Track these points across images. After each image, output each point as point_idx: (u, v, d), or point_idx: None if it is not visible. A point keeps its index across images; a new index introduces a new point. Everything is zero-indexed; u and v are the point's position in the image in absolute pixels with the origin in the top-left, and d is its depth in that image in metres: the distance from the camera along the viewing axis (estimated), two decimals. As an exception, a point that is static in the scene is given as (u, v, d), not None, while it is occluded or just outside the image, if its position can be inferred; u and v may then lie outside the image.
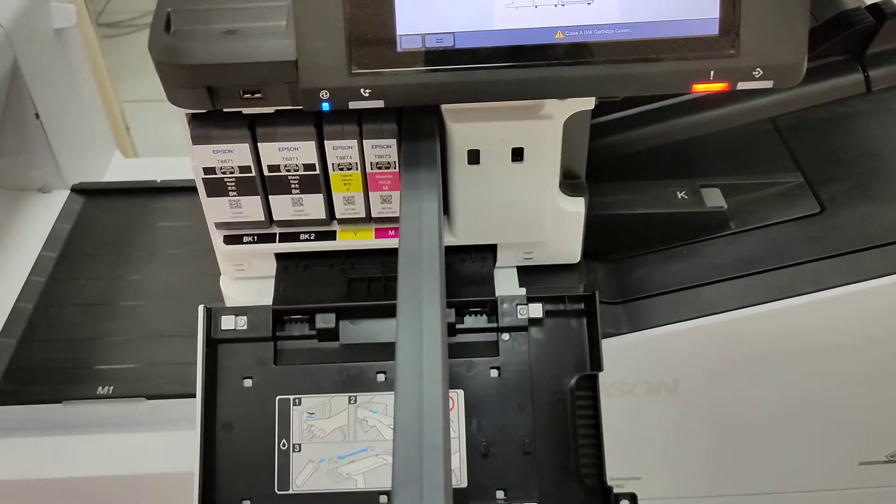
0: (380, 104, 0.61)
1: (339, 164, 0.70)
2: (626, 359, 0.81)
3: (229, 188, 0.70)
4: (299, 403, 0.72)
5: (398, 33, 0.59)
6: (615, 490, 0.69)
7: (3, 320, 1.11)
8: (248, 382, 0.73)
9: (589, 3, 0.59)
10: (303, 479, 0.70)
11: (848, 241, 0.80)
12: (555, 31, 0.59)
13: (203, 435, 0.70)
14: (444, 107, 0.67)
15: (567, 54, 0.60)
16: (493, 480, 0.70)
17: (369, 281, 0.76)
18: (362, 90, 0.60)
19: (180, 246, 1.24)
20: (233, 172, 0.69)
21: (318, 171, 0.70)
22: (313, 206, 0.72)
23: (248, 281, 0.79)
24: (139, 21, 2.58)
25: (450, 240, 0.76)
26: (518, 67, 0.60)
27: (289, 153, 0.68)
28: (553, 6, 0.59)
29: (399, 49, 0.59)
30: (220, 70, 0.60)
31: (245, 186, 0.70)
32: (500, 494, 0.70)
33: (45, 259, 1.20)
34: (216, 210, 0.72)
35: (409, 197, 0.61)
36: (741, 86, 0.60)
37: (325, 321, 0.73)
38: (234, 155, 0.68)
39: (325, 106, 0.61)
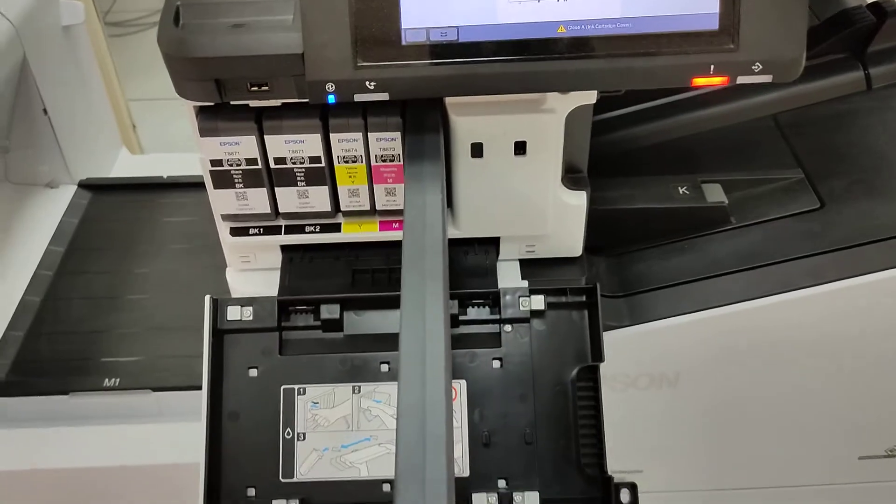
0: (385, 97, 0.62)
1: (344, 157, 0.70)
2: (628, 351, 0.81)
3: (236, 180, 0.71)
4: (304, 393, 0.73)
5: (403, 27, 0.60)
6: (615, 480, 0.70)
7: (11, 313, 1.12)
8: (253, 372, 0.74)
9: (591, -2, 0.60)
10: (307, 467, 0.71)
11: (847, 236, 0.81)
12: (557, 25, 0.60)
13: (209, 424, 0.71)
14: (447, 100, 0.68)
15: (569, 48, 0.61)
16: (495, 470, 0.71)
17: (373, 272, 0.77)
18: (367, 83, 0.61)
19: (186, 241, 1.25)
20: (239, 165, 0.70)
21: (323, 164, 0.71)
22: (319, 198, 0.73)
23: (253, 272, 0.80)
24: (146, 20, 2.60)
25: (453, 232, 0.77)
26: (521, 61, 0.61)
27: (295, 146, 0.69)
28: (555, 1, 0.60)
29: (404, 42, 0.60)
30: (228, 63, 0.61)
31: (251, 179, 0.71)
32: (501, 483, 0.71)
33: (52, 253, 1.22)
34: (223, 202, 0.73)
35: (412, 189, 0.62)
36: (741, 80, 0.61)
37: (329, 312, 0.74)
38: (241, 147, 0.69)
39: (331, 98, 0.62)
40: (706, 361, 0.84)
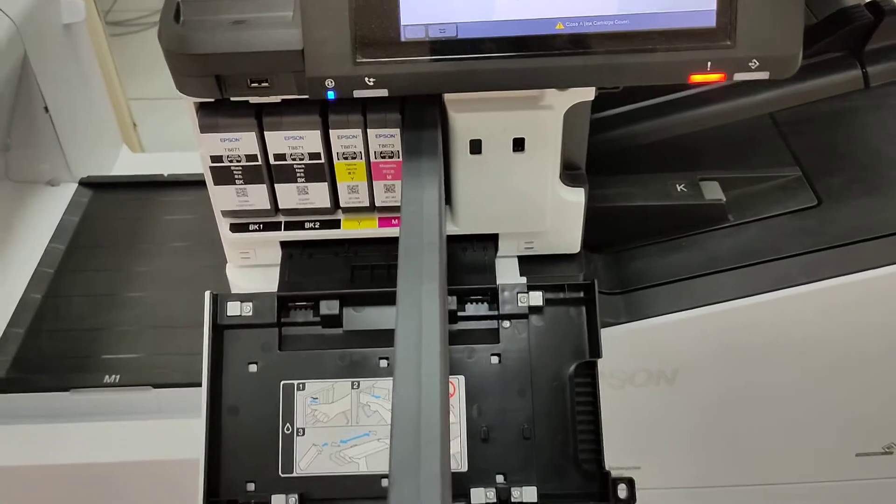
0: (384, 93, 0.62)
1: (343, 154, 0.71)
2: (625, 348, 0.82)
3: (236, 176, 0.72)
4: (303, 388, 0.73)
5: (402, 23, 0.60)
6: (613, 476, 0.70)
7: (12, 310, 1.13)
8: (253, 368, 0.74)
9: (589, -5, 0.60)
10: (306, 462, 0.72)
11: (844, 233, 0.81)
12: (555, 21, 0.61)
13: (209, 419, 0.72)
14: (446, 97, 0.68)
15: (567, 45, 0.61)
16: (493, 465, 0.72)
17: (373, 269, 0.78)
18: (367, 79, 0.61)
19: (186, 239, 1.25)
20: (239, 161, 0.71)
21: (323, 160, 0.71)
22: (318, 194, 0.73)
23: (253, 269, 0.80)
24: (146, 20, 2.60)
25: (452, 229, 0.77)
26: (519, 57, 0.61)
27: (294, 142, 0.70)
28: (553, -2, 0.60)
29: (403, 39, 0.61)
30: (228, 59, 0.62)
31: (251, 175, 0.72)
32: (499, 478, 0.71)
33: (53, 251, 1.22)
34: (223, 198, 0.73)
35: (410, 185, 0.62)
36: (738, 76, 0.61)
37: (329, 308, 0.75)
38: (241, 143, 0.70)
39: (331, 94, 0.62)
40: (704, 358, 0.84)
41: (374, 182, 0.73)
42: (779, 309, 0.80)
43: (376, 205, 0.74)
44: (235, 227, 0.76)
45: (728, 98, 0.89)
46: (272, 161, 0.71)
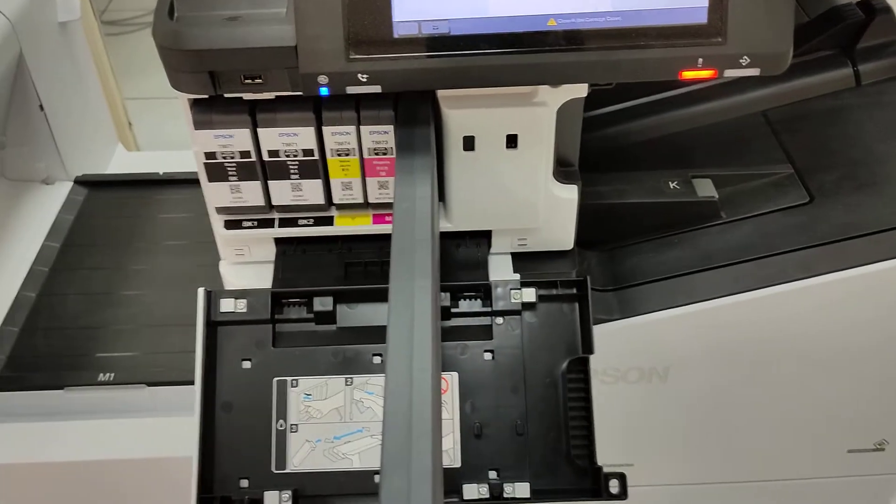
0: (377, 89, 0.62)
1: (337, 150, 0.71)
2: (618, 345, 0.82)
3: (230, 173, 0.72)
4: (297, 385, 0.73)
5: (395, 20, 0.61)
6: (605, 471, 0.71)
7: (6, 309, 1.13)
8: (246, 364, 0.74)
9: (581, -8, 0.60)
10: (300, 458, 0.72)
11: (836, 229, 0.82)
12: (548, 18, 0.61)
13: (202, 415, 0.72)
14: (439, 93, 0.69)
15: (560, 41, 0.61)
16: (486, 460, 0.72)
17: (366, 265, 0.78)
18: (360, 75, 0.62)
19: (181, 237, 1.25)
20: (233, 157, 0.71)
21: (316, 157, 0.71)
22: (312, 191, 0.73)
23: (247, 265, 0.80)
24: (141, 20, 2.60)
25: (445, 226, 0.77)
26: (512, 54, 0.61)
27: (288, 139, 0.70)
28: (546, -6, 0.60)
29: (396, 35, 0.61)
30: (222, 55, 0.62)
31: (245, 171, 0.72)
32: (492, 474, 0.71)
33: (48, 249, 1.22)
34: (217, 195, 0.74)
35: (403, 181, 0.62)
36: (728, 73, 0.62)
37: (322, 304, 0.75)
38: (235, 140, 0.70)
39: (324, 91, 0.62)
40: (696, 354, 0.85)
41: (367, 179, 0.73)
42: (771, 305, 0.80)
43: (370, 201, 0.75)
44: (229, 224, 0.76)
45: (721, 96, 0.90)
46: (266, 157, 0.71)
